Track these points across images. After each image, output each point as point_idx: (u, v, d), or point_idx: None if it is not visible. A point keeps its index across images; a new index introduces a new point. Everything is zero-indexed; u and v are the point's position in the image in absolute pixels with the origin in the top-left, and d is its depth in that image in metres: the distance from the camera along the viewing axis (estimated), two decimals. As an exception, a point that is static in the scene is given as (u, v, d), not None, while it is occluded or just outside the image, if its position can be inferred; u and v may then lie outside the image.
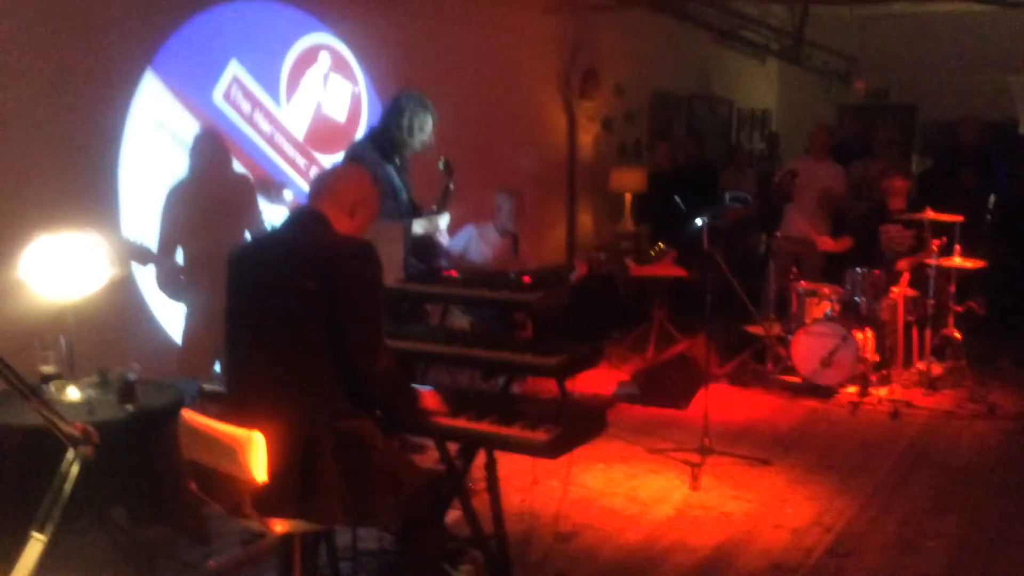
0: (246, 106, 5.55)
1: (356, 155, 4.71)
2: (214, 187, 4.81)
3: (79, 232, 3.77)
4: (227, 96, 5.46)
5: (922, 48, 11.62)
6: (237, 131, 5.49)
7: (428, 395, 3.01)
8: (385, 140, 4.73)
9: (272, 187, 5.35)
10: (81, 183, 4.56)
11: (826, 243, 7.00)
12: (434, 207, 4.88)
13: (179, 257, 4.79)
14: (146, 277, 4.80)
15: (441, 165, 4.89)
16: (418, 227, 4.71)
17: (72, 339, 3.70)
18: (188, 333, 4.89)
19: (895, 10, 11.82)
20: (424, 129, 4.74)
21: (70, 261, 3.67)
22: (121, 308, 4.48)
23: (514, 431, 2.90)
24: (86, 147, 4.58)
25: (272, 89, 5.73)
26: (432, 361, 3.61)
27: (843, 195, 7.72)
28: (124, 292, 4.47)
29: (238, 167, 5.23)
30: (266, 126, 5.67)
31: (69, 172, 4.49)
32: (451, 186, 4.88)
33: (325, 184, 2.91)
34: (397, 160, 4.74)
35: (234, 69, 5.49)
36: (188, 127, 5.13)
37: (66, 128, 4.46)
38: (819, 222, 7.56)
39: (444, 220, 4.87)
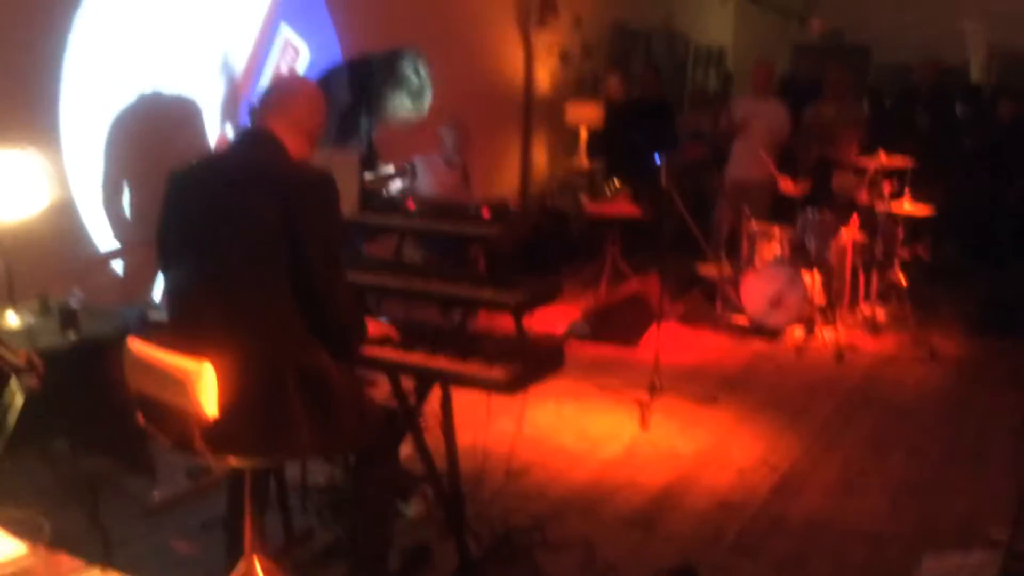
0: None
1: (327, 79, 4.58)
2: (157, 110, 4.64)
3: (18, 150, 3.61)
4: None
5: (879, -10, 11.61)
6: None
7: (375, 323, 2.93)
8: (365, 82, 4.58)
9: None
10: (20, 97, 4.34)
11: (787, 185, 7.01)
12: (390, 168, 4.84)
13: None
14: (88, 200, 4.63)
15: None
16: (368, 176, 4.63)
17: (11, 263, 3.55)
18: (129, 260, 4.76)
19: (853, -50, 11.78)
20: (401, 99, 4.62)
21: (8, 181, 3.52)
22: (62, 232, 4.31)
23: (471, 367, 2.85)
24: (25, 56, 4.35)
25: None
26: (388, 294, 3.54)
27: (786, 132, 7.68)
28: (65, 215, 4.30)
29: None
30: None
31: (6, 85, 4.27)
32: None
33: (276, 100, 2.71)
34: (367, 104, 4.62)
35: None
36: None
37: (3, 36, 4.23)
38: (764, 161, 7.55)
39: (395, 184, 4.82)
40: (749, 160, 7.48)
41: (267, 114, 2.69)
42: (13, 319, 3.49)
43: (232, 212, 2.52)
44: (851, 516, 3.91)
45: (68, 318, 3.43)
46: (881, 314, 6.74)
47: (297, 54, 5.51)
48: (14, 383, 2.10)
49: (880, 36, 11.66)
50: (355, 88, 4.60)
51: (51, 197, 3.67)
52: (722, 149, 8.05)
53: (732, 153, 7.65)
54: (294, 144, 2.67)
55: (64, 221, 4.31)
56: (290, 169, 2.61)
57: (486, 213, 3.38)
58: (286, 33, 5.39)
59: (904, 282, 6.60)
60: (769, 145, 7.48)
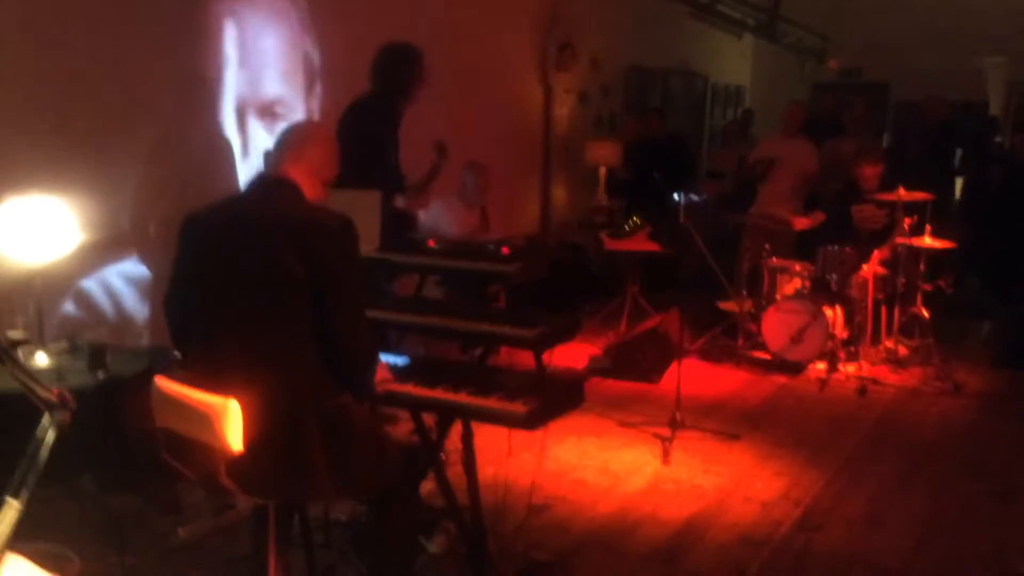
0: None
1: (366, 112, 4.68)
2: (192, 146, 4.76)
3: (49, 195, 3.70)
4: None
5: (896, 28, 11.67)
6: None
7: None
8: (389, 95, 4.70)
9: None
10: (51, 142, 4.45)
11: (801, 223, 7.05)
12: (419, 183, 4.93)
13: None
14: (117, 241, 4.72)
15: (435, 149, 4.98)
16: (400, 201, 4.70)
17: (41, 304, 3.63)
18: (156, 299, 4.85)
19: (870, -12, 11.88)
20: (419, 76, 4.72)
21: (39, 225, 3.60)
22: (91, 273, 4.40)
23: (492, 402, 2.88)
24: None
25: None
26: (409, 331, 3.58)
27: (815, 172, 7.74)
28: (94, 257, 4.39)
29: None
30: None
31: (44, 132, 4.38)
32: (439, 167, 4.92)
33: (291, 146, 2.75)
34: (395, 117, 4.72)
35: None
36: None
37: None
38: (793, 201, 7.57)
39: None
40: (777, 199, 7.52)
41: (283, 159, 2.73)
42: (43, 359, 3.56)
43: (252, 258, 2.55)
44: (875, 552, 3.88)
45: (96, 358, 3.49)
46: (904, 348, 6.70)
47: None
48: (46, 419, 2.15)
49: (899, 73, 11.73)
50: (384, 108, 4.70)
51: (80, 240, 3.76)
52: (743, 186, 8.09)
53: (760, 191, 7.68)
54: (309, 188, 2.71)
55: (93, 263, 4.39)
56: (310, 215, 2.62)
57: (505, 251, 3.43)
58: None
59: (927, 315, 6.58)
60: (799, 183, 7.52)
